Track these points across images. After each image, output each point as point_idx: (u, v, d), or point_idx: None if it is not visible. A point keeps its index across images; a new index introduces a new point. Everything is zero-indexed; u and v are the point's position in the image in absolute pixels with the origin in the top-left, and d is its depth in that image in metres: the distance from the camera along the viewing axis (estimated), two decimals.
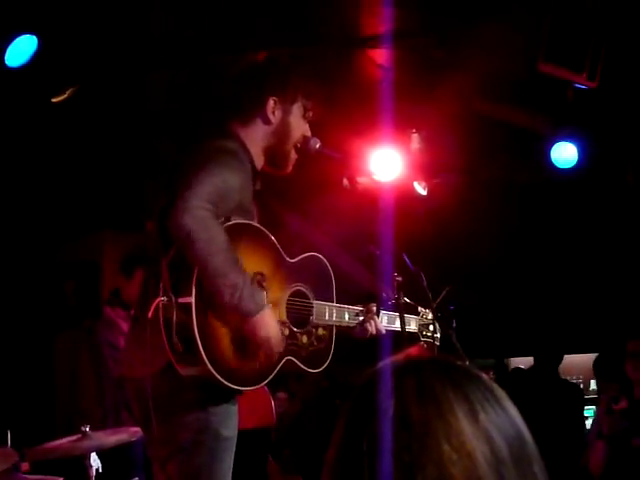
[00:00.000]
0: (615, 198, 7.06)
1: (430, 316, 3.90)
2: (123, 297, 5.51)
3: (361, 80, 6.06)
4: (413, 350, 1.08)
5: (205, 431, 2.97)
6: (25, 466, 4.58)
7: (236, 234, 2.99)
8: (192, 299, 2.85)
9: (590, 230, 7.34)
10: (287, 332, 3.21)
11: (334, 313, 3.43)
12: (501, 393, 1.13)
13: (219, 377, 2.90)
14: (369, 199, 3.71)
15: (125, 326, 5.43)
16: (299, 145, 3.36)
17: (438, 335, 3.89)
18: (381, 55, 5.79)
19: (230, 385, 2.96)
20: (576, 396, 6.48)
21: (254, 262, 3.08)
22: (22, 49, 4.55)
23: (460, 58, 5.59)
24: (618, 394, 5.51)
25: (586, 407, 6.61)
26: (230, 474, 3.06)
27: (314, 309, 3.36)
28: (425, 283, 3.71)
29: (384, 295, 3.67)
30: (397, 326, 3.69)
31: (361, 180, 3.69)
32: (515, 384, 6.45)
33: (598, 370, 6.16)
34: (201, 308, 2.88)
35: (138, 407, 3.12)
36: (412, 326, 3.81)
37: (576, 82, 5.17)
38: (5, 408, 5.77)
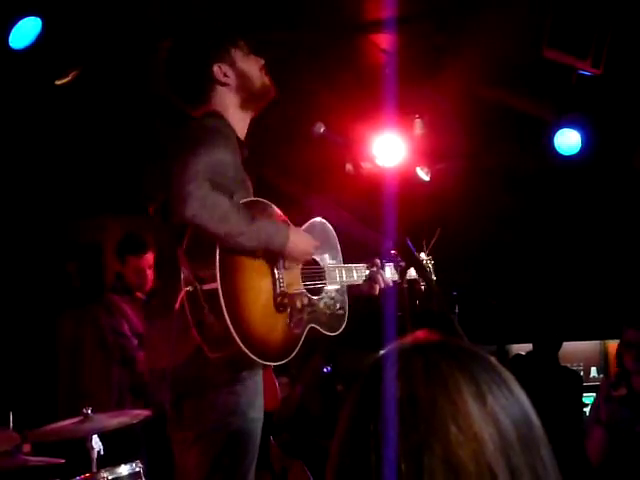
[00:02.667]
0: (617, 185, 7.06)
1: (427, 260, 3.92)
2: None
3: (364, 65, 6.05)
4: (420, 333, 1.08)
5: (233, 413, 3.00)
6: (27, 448, 4.60)
7: None
8: (217, 284, 2.86)
9: (592, 216, 7.34)
10: (306, 301, 3.25)
11: (344, 274, 3.48)
12: (508, 376, 1.13)
13: (254, 356, 2.91)
14: (372, 184, 3.71)
15: (129, 310, 5.52)
16: (264, 70, 3.36)
17: (435, 277, 3.90)
18: (384, 40, 5.78)
19: (264, 362, 3.01)
20: (575, 383, 6.49)
21: None
22: (26, 31, 4.54)
23: (463, 44, 5.58)
24: (617, 381, 5.51)
25: (587, 394, 6.62)
26: (256, 455, 3.09)
27: (326, 274, 3.40)
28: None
29: (386, 246, 3.70)
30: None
31: (364, 165, 3.70)
32: (515, 370, 6.45)
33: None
34: (227, 291, 2.89)
35: (168, 392, 3.15)
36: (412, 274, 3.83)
37: (581, 68, 5.15)
38: (7, 390, 5.79)
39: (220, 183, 2.94)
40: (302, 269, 3.30)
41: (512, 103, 6.29)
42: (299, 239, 3.13)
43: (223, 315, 2.85)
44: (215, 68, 3.27)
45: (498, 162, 7.04)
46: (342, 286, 3.49)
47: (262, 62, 3.37)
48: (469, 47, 5.53)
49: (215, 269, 2.87)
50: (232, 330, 2.86)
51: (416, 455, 1.02)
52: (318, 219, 3.49)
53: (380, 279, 3.58)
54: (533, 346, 6.58)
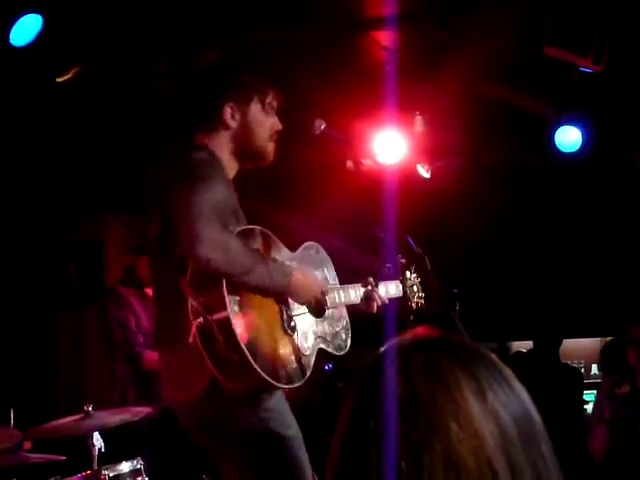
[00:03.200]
0: (617, 182, 7.06)
1: (414, 278, 3.93)
2: (138, 274, 5.61)
3: (365, 62, 6.04)
4: (420, 329, 1.08)
5: (268, 439, 3.01)
6: (28, 445, 4.60)
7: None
8: (228, 312, 2.87)
9: (593, 214, 7.34)
10: (312, 322, 3.29)
11: (342, 295, 3.48)
12: (509, 372, 1.13)
13: (272, 381, 2.93)
14: (373, 181, 3.71)
15: (137, 304, 5.52)
16: (275, 137, 3.35)
17: (423, 294, 3.91)
18: (385, 37, 5.78)
19: (282, 386, 3.02)
20: (576, 380, 6.49)
21: None
22: (27, 28, 4.54)
23: (464, 41, 5.58)
24: (621, 378, 5.52)
25: (587, 391, 6.63)
26: (308, 469, 3.09)
27: (326, 295, 3.40)
28: (429, 266, 3.72)
29: (378, 266, 3.71)
30: (394, 293, 3.74)
31: (365, 162, 3.70)
32: (516, 367, 6.45)
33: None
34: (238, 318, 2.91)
35: (194, 433, 3.18)
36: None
37: (581, 66, 5.15)
38: (8, 387, 5.79)
39: (222, 217, 2.96)
40: None
41: (513, 100, 6.29)
42: (304, 280, 3.14)
43: (238, 343, 2.85)
44: (227, 107, 3.24)
45: (499, 159, 7.04)
46: (341, 306, 3.51)
47: (279, 128, 3.34)
48: (470, 44, 5.52)
49: (224, 297, 2.87)
50: (249, 357, 2.86)
51: (416, 452, 1.02)
52: (310, 242, 3.51)
53: (376, 297, 3.57)
54: (534, 343, 6.58)
